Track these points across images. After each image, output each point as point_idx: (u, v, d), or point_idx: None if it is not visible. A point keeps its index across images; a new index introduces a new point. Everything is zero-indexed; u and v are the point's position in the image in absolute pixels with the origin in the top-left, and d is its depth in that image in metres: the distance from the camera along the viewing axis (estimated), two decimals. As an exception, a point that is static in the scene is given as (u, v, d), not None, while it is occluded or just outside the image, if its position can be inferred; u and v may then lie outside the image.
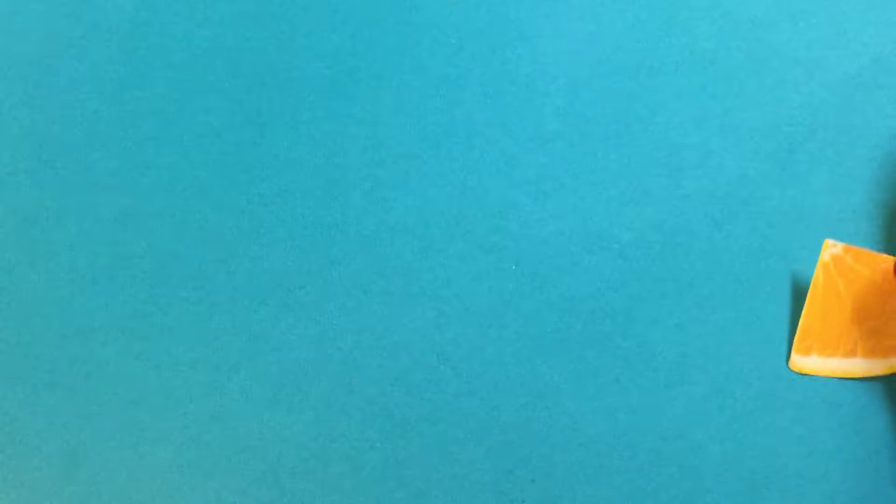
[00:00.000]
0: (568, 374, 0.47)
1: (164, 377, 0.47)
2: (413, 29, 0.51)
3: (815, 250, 0.47)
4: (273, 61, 0.51)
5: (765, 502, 0.46)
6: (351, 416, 0.47)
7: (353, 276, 0.48)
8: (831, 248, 0.46)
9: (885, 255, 0.46)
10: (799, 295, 0.47)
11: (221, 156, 0.50)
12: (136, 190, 0.49)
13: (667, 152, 0.49)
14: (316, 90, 0.50)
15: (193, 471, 0.46)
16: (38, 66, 0.51)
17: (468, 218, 0.49)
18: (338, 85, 0.50)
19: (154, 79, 0.51)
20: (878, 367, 0.45)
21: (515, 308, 0.48)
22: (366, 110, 0.50)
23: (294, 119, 0.50)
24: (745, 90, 0.49)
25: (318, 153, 0.50)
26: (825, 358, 0.45)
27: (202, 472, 0.46)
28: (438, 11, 0.51)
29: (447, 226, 0.49)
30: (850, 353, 0.45)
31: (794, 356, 0.46)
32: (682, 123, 0.49)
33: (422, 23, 0.51)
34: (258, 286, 0.48)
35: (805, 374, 0.46)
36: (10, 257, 0.49)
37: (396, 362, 0.47)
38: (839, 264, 0.46)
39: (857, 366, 0.45)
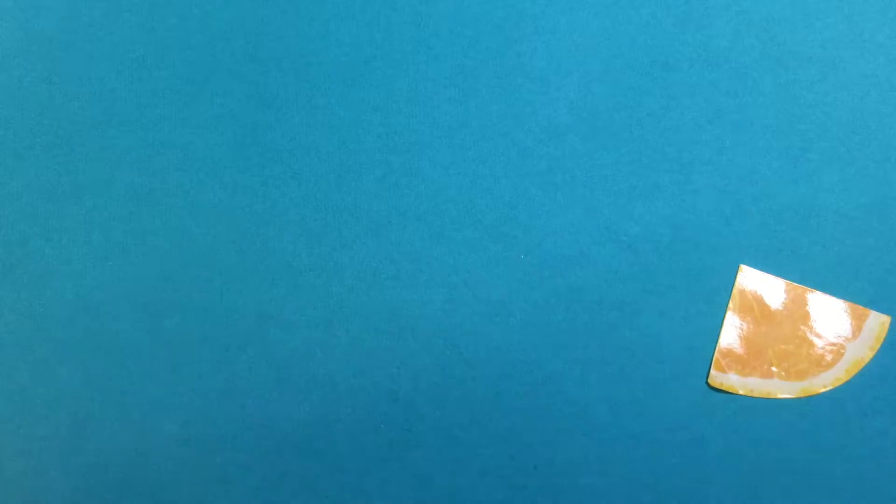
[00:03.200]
0: (573, 364, 0.47)
1: (174, 353, 0.48)
2: (430, 20, 0.51)
3: (826, 248, 0.47)
4: (291, 46, 0.51)
5: (766, 496, 0.46)
6: (357, 398, 0.47)
7: (363, 261, 0.48)
8: (746, 274, 0.48)
9: (794, 284, 0.47)
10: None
11: (237, 137, 0.50)
12: (151, 168, 0.50)
13: (678, 147, 0.49)
14: (332, 76, 0.51)
15: (199, 445, 0.47)
16: (57, 43, 0.52)
17: (479, 207, 0.49)
18: (354, 72, 0.51)
19: (172, 59, 0.51)
20: (794, 388, 0.46)
21: (523, 297, 0.48)
22: (381, 98, 0.50)
23: (310, 104, 0.50)
24: (758, 88, 0.50)
25: (332, 138, 0.50)
26: (743, 377, 0.46)
27: (208, 447, 0.47)
28: (456, 3, 0.51)
29: (458, 214, 0.49)
30: (767, 374, 0.46)
31: (713, 373, 0.46)
32: (694, 119, 0.49)
33: (439, 14, 0.51)
34: (269, 266, 0.48)
35: (724, 391, 0.46)
36: (25, 230, 0.49)
37: (403, 346, 0.47)
38: (753, 290, 0.47)
39: (775, 387, 0.46)
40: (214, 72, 0.51)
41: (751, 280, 0.47)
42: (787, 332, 0.47)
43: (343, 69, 0.51)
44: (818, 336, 0.47)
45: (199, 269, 0.49)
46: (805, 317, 0.47)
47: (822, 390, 0.46)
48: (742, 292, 0.47)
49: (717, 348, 0.47)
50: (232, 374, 0.47)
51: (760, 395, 0.46)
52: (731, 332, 0.47)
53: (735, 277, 0.47)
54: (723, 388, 0.46)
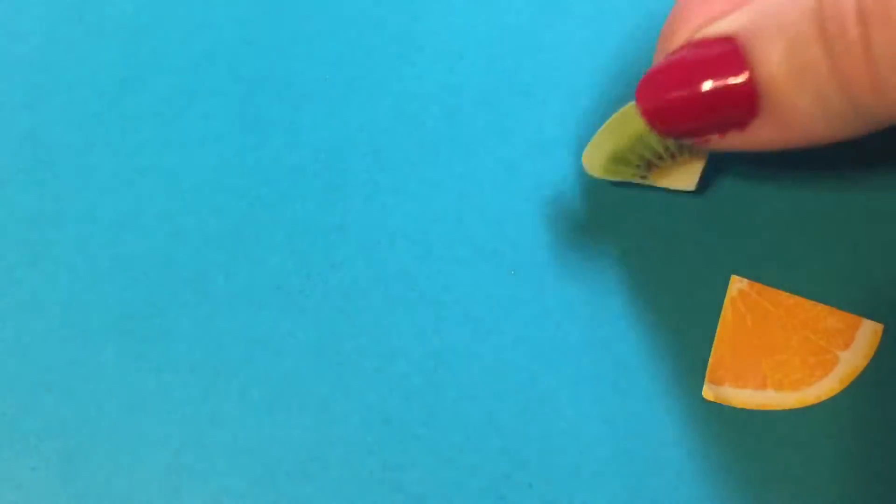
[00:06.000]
0: (566, 380, 0.47)
1: (163, 380, 0.47)
2: (413, 36, 0.51)
3: (818, 256, 0.47)
4: (273, 66, 0.51)
5: (764, 508, 0.46)
6: (349, 421, 0.47)
7: (352, 281, 0.48)
8: (738, 284, 0.47)
9: (786, 293, 0.47)
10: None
11: (221, 159, 0.50)
12: (135, 193, 0.49)
13: (666, 159, 0.49)
14: (316, 96, 0.50)
15: (191, 474, 0.46)
16: (37, 67, 0.51)
17: (467, 224, 0.49)
18: (338, 91, 0.51)
19: (154, 82, 0.51)
20: (789, 399, 0.46)
21: (514, 313, 0.48)
22: (366, 116, 0.50)
23: (294, 124, 0.50)
24: (744, 98, 0.49)
25: (317, 158, 0.50)
26: (737, 389, 0.46)
27: (200, 475, 0.46)
28: (439, 20, 0.51)
29: (446, 231, 0.49)
30: (762, 386, 0.46)
31: (707, 385, 0.46)
32: (681, 130, 0.49)
33: (422, 30, 0.51)
34: (257, 290, 0.48)
35: (719, 404, 0.46)
36: (9, 259, 0.49)
37: (395, 367, 0.47)
38: (746, 299, 0.47)
39: (770, 398, 0.46)
40: (197, 94, 0.51)
41: (742, 290, 0.47)
42: (781, 342, 0.47)
43: (326, 89, 0.51)
44: (811, 346, 0.46)
45: (187, 294, 0.48)
46: (797, 326, 0.47)
47: (817, 401, 0.46)
48: (734, 303, 0.47)
49: (710, 360, 0.47)
50: (222, 400, 0.47)
51: (755, 407, 0.46)
52: (724, 344, 0.47)
53: (726, 288, 0.47)
54: (717, 401, 0.46)
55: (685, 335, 0.47)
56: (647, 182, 0.47)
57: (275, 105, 0.50)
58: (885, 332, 0.47)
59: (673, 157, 0.45)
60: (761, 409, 0.46)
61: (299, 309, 0.48)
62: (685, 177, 0.46)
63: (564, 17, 0.51)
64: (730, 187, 0.48)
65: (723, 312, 0.47)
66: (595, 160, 0.46)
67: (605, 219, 0.48)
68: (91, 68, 0.51)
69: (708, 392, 0.46)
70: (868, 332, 0.47)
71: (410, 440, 0.46)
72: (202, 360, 0.47)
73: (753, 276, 0.47)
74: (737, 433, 0.46)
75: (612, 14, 0.51)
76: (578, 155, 0.49)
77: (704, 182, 0.47)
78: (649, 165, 0.46)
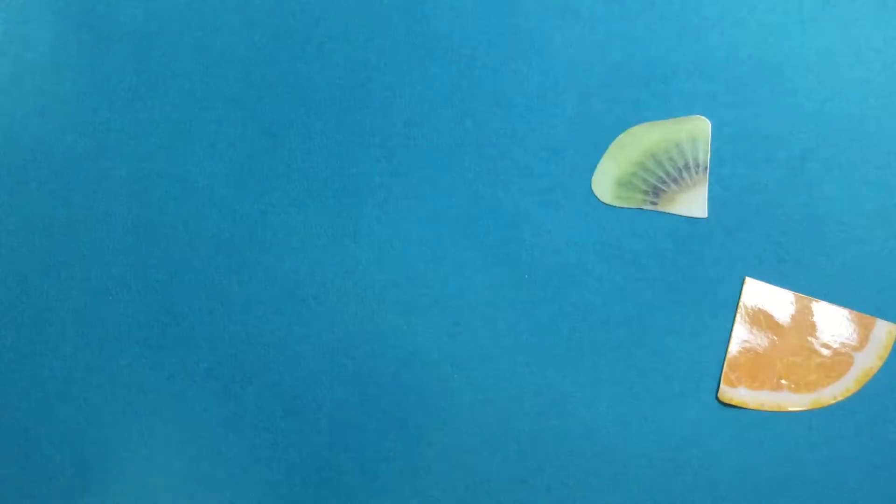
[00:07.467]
0: (582, 383, 0.47)
1: (178, 387, 0.47)
2: (425, 40, 0.51)
3: (831, 257, 0.47)
4: (285, 71, 0.51)
5: (781, 510, 0.46)
6: (365, 425, 0.47)
7: (367, 286, 0.48)
8: (752, 286, 0.47)
9: (800, 295, 0.47)
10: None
11: (234, 165, 0.50)
12: (148, 199, 0.49)
13: (678, 160, 0.49)
14: (328, 100, 0.50)
15: (208, 480, 0.46)
16: (49, 75, 0.51)
17: (481, 227, 0.49)
18: (350, 95, 0.50)
19: (166, 88, 0.51)
20: (804, 401, 0.46)
21: (529, 317, 0.47)
22: (378, 120, 0.50)
23: (307, 129, 0.50)
24: (756, 98, 0.49)
25: (330, 163, 0.50)
26: (753, 391, 0.46)
27: (217, 482, 0.46)
28: (450, 23, 0.51)
29: (460, 235, 0.48)
30: (777, 387, 0.46)
31: (722, 387, 0.46)
32: (693, 132, 0.49)
33: (433, 34, 0.51)
34: (272, 295, 0.48)
35: (734, 406, 0.46)
36: (23, 267, 0.49)
37: (410, 371, 0.47)
38: (760, 302, 0.47)
39: (785, 400, 0.46)
40: (209, 99, 0.50)
41: (756, 292, 0.47)
42: (795, 343, 0.47)
43: (339, 93, 0.51)
44: (826, 346, 0.46)
45: (201, 300, 0.48)
46: (812, 327, 0.47)
47: (833, 401, 0.46)
48: (748, 305, 0.47)
49: (725, 363, 0.46)
50: (238, 407, 0.47)
51: (771, 409, 0.46)
52: (739, 346, 0.47)
53: (741, 290, 0.47)
54: (733, 403, 0.46)
55: (700, 338, 0.47)
56: (658, 209, 0.47)
57: (286, 110, 0.50)
58: (900, 332, 0.47)
59: (675, 181, 0.47)
60: (777, 410, 0.46)
61: (313, 315, 0.48)
62: (695, 203, 0.47)
63: (574, 19, 0.51)
64: (742, 191, 0.48)
65: (737, 315, 0.47)
66: (603, 187, 0.47)
67: (618, 222, 0.48)
68: (102, 75, 0.51)
69: (723, 394, 0.46)
70: (883, 333, 0.46)
71: (426, 445, 0.46)
72: (217, 367, 0.47)
73: (767, 279, 0.47)
74: (753, 435, 0.46)
75: (622, 15, 0.51)
76: (591, 157, 0.49)
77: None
78: (657, 192, 0.47)
